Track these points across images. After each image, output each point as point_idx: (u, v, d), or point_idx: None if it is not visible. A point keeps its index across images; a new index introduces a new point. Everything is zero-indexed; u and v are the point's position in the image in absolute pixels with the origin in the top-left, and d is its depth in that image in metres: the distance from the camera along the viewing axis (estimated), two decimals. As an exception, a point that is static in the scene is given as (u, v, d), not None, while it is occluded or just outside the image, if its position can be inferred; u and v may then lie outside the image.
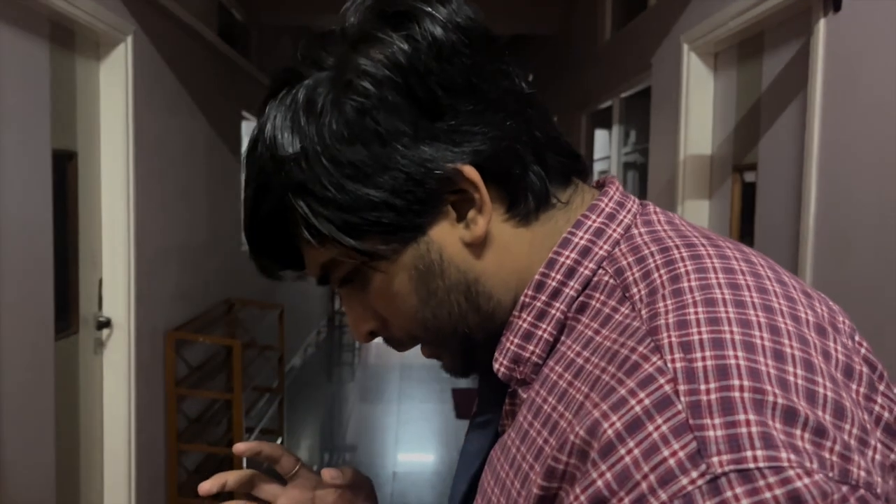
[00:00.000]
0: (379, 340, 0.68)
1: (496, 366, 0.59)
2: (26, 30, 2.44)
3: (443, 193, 0.56)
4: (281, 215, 0.58)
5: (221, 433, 4.41)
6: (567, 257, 0.58)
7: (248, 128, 5.34)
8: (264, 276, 0.65)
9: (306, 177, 0.56)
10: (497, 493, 0.57)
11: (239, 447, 0.81)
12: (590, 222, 0.59)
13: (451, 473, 4.73)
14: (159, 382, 3.51)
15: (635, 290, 0.53)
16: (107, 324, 3.08)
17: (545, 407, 0.54)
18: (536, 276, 0.58)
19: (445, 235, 0.58)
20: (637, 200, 0.62)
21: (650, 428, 0.42)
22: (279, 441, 4.81)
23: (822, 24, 2.05)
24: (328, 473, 0.80)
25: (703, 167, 3.02)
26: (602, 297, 0.55)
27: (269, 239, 0.61)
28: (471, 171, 0.55)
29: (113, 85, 3.03)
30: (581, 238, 0.58)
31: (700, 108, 3.00)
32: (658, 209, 0.62)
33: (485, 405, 0.68)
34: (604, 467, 0.43)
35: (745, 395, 0.42)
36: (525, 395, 0.58)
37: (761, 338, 0.45)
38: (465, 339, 0.61)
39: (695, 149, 3.02)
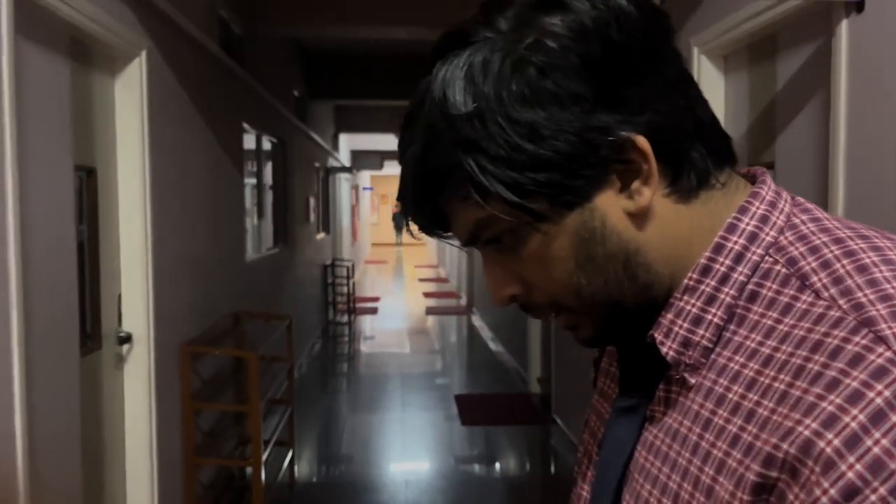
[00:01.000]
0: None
1: (664, 349, 0.60)
2: (48, 46, 2.43)
3: (611, 161, 0.58)
4: (445, 172, 0.59)
5: (232, 447, 4.39)
6: (735, 243, 0.59)
7: (248, 140, 5.34)
8: (424, 233, 0.65)
9: (479, 135, 0.57)
10: (677, 480, 0.58)
11: None
12: (754, 209, 0.60)
13: (460, 479, 4.76)
14: (176, 396, 3.50)
15: (815, 278, 0.54)
16: (127, 339, 3.07)
17: (730, 395, 0.55)
18: (702, 261, 0.60)
19: (609, 204, 0.59)
20: (788, 192, 0.64)
21: (895, 418, 0.45)
22: (290, 453, 4.80)
23: (844, 26, 2.10)
24: None
25: (716, 168, 3.06)
26: (775, 286, 0.57)
27: (428, 197, 0.62)
28: (643, 142, 0.57)
29: (128, 100, 3.03)
30: (748, 224, 0.60)
31: (712, 108, 3.04)
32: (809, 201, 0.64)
33: (628, 390, 0.69)
34: (852, 459, 0.45)
35: None
36: (694, 381, 0.59)
37: None
38: (615, 307, 0.62)
39: (707, 150, 3.05)
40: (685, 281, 0.60)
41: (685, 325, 0.60)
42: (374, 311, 12.20)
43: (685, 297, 0.60)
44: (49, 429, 2.41)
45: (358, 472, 4.91)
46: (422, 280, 17.44)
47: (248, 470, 4.32)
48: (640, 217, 0.59)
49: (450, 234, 0.65)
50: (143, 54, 3.03)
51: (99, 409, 2.93)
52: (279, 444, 4.64)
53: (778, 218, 0.60)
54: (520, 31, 0.58)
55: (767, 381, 0.53)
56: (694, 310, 0.60)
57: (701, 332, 0.59)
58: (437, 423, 6.02)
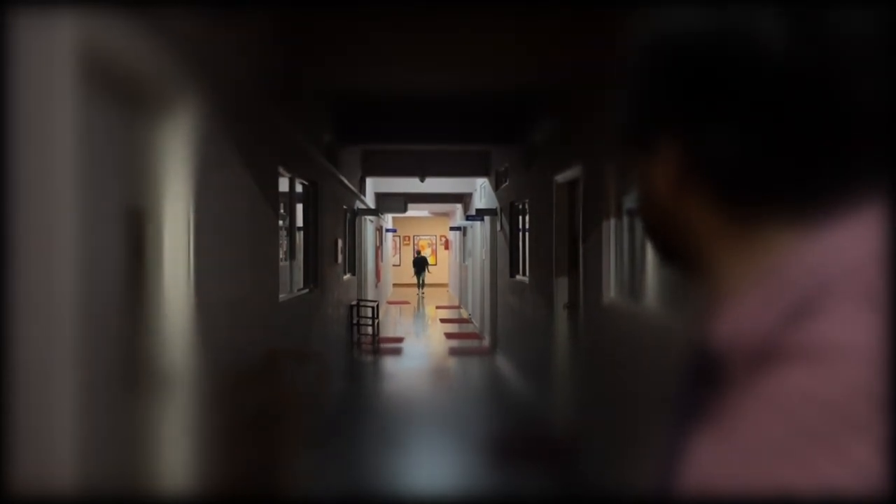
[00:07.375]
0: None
1: (719, 334, 0.60)
2: (103, 89, 2.54)
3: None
4: None
5: (267, 484, 4.42)
6: (810, 251, 0.58)
7: (283, 184, 5.46)
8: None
9: None
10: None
11: None
12: (851, 224, 0.59)
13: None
14: (216, 435, 3.55)
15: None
16: (169, 379, 3.14)
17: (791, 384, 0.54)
18: (777, 261, 0.59)
19: (655, 170, 0.68)
20: None
21: None
22: (323, 492, 4.81)
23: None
24: None
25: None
26: (852, 302, 0.55)
27: None
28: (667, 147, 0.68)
29: (175, 142, 3.13)
30: (839, 237, 0.58)
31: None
32: None
33: (697, 377, 0.69)
34: None
35: None
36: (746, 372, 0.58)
37: None
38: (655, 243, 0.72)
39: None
40: (758, 277, 0.60)
41: (743, 317, 0.59)
42: (398, 351, 12.23)
43: (754, 292, 0.59)
44: (98, 465, 2.46)
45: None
46: (443, 321, 17.47)
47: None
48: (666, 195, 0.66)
49: None
50: (190, 98, 3.14)
51: (142, 448, 2.98)
52: (311, 482, 4.66)
53: (880, 237, 0.57)
54: None
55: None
56: (755, 304, 0.58)
57: (753, 325, 0.58)
58: (463, 465, 6.01)
